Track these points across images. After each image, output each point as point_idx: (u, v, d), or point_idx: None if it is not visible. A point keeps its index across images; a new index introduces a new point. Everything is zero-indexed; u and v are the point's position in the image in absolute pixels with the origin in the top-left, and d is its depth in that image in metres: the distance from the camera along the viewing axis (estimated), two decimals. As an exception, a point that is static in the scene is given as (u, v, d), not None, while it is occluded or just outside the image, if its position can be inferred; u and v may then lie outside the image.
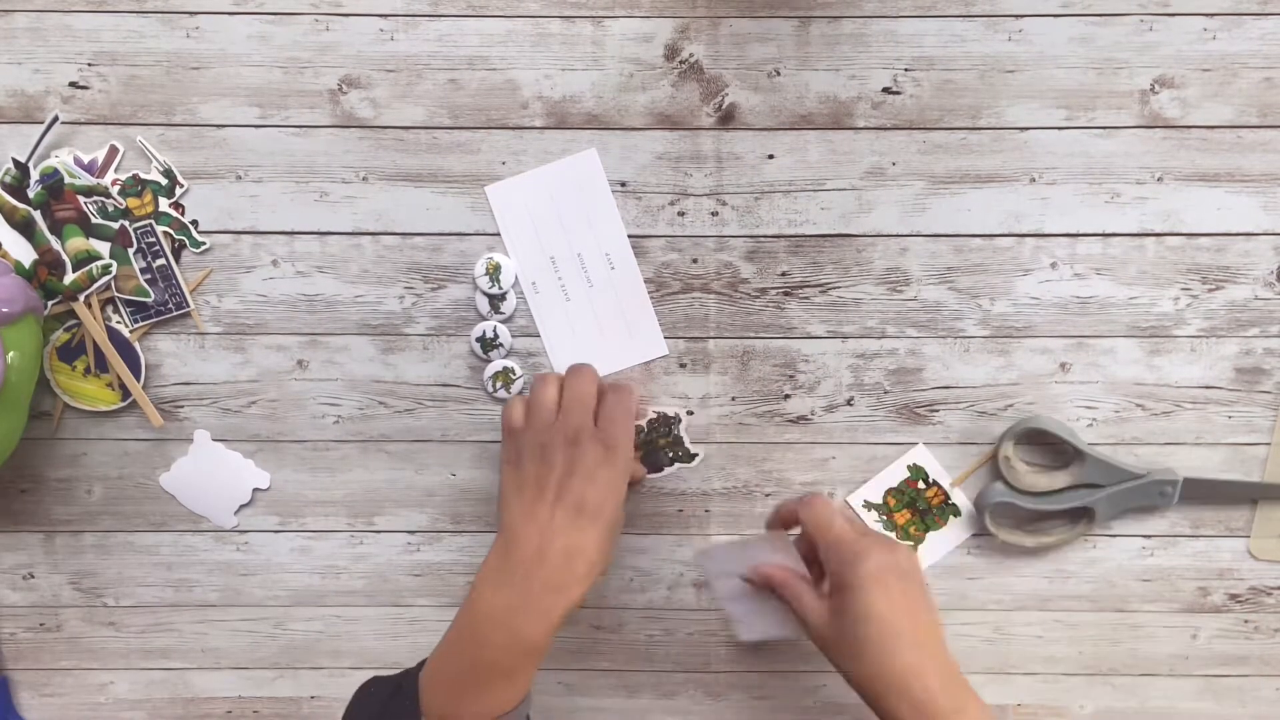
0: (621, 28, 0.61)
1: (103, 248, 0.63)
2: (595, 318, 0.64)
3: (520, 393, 0.65)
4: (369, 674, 0.69)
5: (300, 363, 0.65)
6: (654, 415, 0.66)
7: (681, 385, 0.65)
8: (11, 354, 0.57)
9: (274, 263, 0.64)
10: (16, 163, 0.61)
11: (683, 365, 0.65)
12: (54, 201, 0.62)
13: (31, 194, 0.62)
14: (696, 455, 0.66)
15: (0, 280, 0.58)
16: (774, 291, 0.64)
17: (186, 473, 0.66)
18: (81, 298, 0.63)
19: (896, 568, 0.56)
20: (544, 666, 0.69)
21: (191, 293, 0.64)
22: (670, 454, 0.66)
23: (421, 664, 0.59)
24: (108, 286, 0.63)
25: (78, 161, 0.62)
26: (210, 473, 0.66)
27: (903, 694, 0.53)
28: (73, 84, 0.61)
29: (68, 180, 0.62)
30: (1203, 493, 0.65)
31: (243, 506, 0.67)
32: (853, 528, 0.58)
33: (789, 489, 0.66)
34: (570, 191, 0.63)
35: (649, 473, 0.66)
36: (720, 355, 0.65)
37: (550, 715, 0.70)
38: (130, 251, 0.63)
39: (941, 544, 0.67)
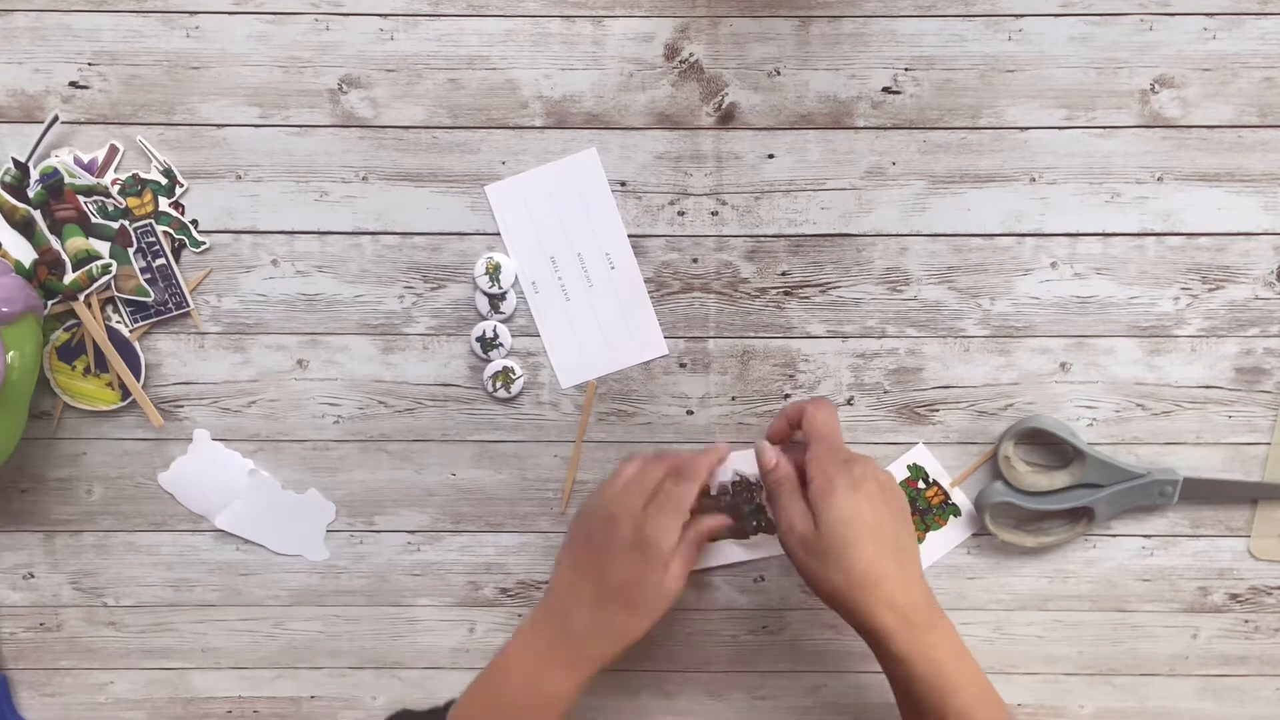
0: (621, 27, 0.61)
1: (102, 247, 0.63)
2: (595, 317, 0.64)
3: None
4: (369, 674, 0.69)
5: (300, 362, 0.65)
6: (736, 478, 0.65)
7: (681, 385, 0.65)
8: (11, 354, 0.57)
9: (274, 262, 0.64)
10: (16, 162, 0.61)
11: (683, 365, 0.65)
12: (54, 201, 0.62)
13: (31, 193, 0.62)
14: None
15: (0, 280, 0.58)
16: (774, 291, 0.64)
17: (186, 472, 0.66)
18: (81, 297, 0.63)
19: (882, 483, 0.57)
20: (544, 666, 0.69)
21: (191, 292, 0.64)
22: (755, 522, 0.66)
23: (451, 702, 0.61)
24: (107, 286, 0.63)
25: (78, 161, 0.62)
26: (210, 472, 0.66)
27: (882, 597, 0.54)
28: (73, 83, 0.61)
29: (68, 180, 0.62)
30: (1203, 492, 0.65)
31: (243, 506, 0.67)
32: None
33: (789, 489, 0.66)
34: (570, 191, 0.63)
35: (737, 537, 0.66)
36: (720, 355, 0.65)
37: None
38: (130, 251, 0.63)
39: (941, 544, 0.67)
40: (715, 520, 0.62)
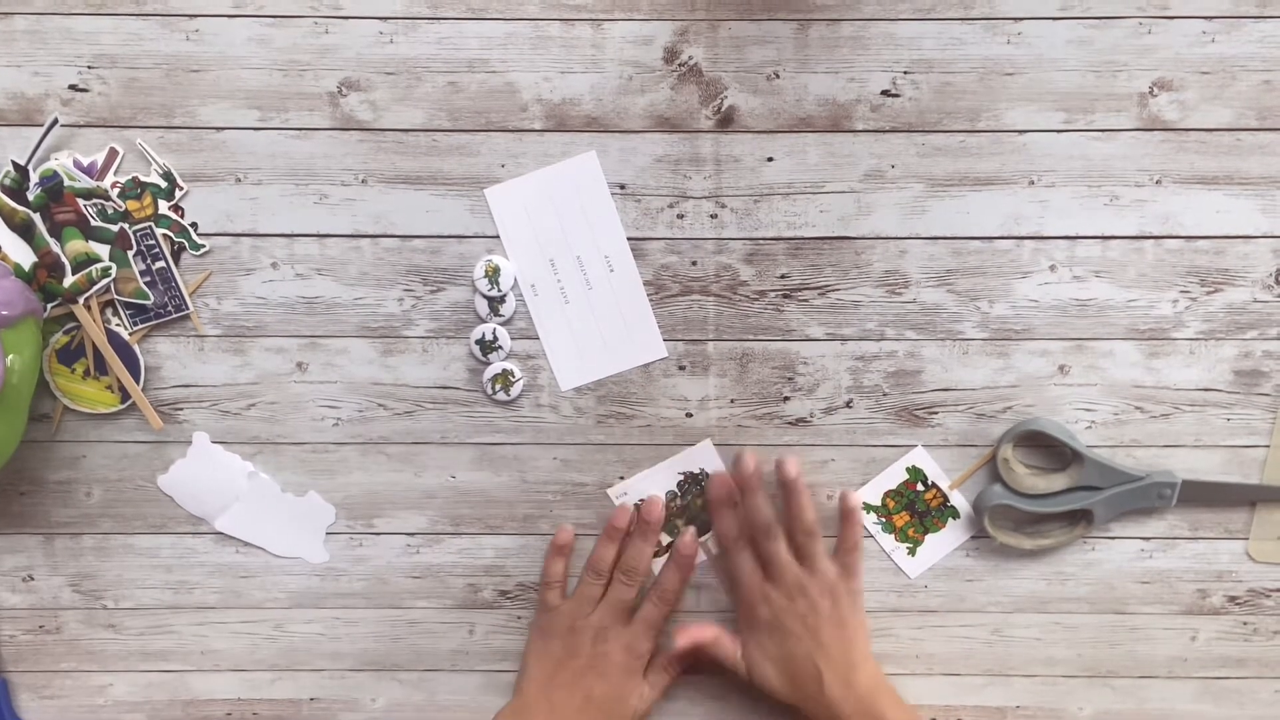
0: (621, 30, 0.61)
1: (102, 250, 0.63)
2: (594, 320, 0.64)
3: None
4: (368, 676, 0.69)
5: (300, 365, 0.65)
6: (681, 478, 0.66)
7: (680, 388, 0.65)
8: (11, 357, 0.57)
9: (273, 265, 0.64)
10: (16, 165, 0.61)
11: (681, 368, 0.65)
12: (53, 204, 0.62)
13: (31, 197, 0.62)
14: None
15: (0, 283, 0.58)
16: (773, 294, 0.64)
17: (186, 475, 0.66)
18: (81, 300, 0.63)
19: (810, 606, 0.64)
20: (543, 668, 0.69)
21: (191, 295, 0.64)
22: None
23: None
24: (107, 289, 0.63)
25: (77, 164, 0.62)
26: (209, 475, 0.66)
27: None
28: (72, 86, 0.62)
29: (67, 183, 0.62)
30: (1201, 495, 0.65)
31: (242, 509, 0.67)
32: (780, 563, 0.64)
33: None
34: (569, 194, 0.63)
35: (699, 536, 0.66)
36: (719, 358, 0.65)
37: (549, 717, 0.70)
38: (130, 254, 0.63)
39: (940, 546, 0.67)
40: (688, 639, 0.65)
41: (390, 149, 0.62)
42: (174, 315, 0.64)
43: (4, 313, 0.57)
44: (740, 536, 0.65)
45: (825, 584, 0.64)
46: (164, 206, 0.63)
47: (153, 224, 0.63)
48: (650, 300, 0.64)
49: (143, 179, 0.62)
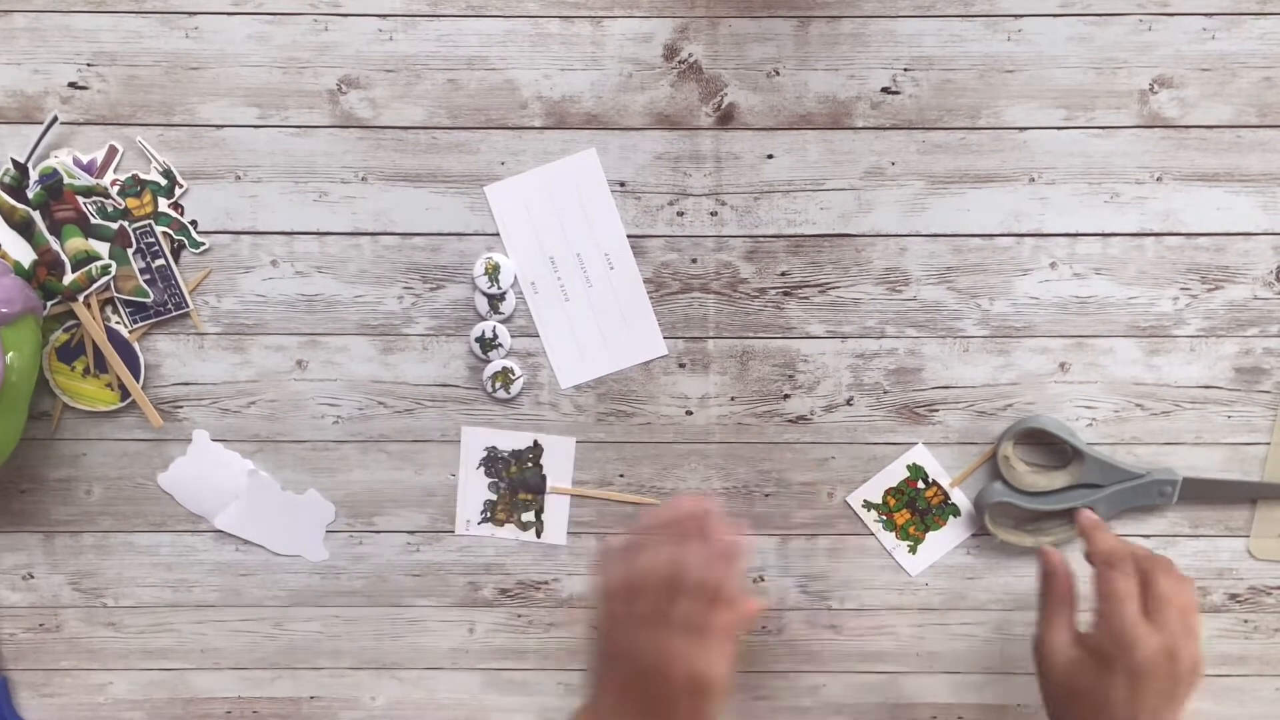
0: (620, 28, 0.61)
1: (102, 248, 0.63)
2: (594, 318, 0.64)
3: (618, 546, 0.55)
4: (368, 674, 0.69)
5: (299, 363, 0.65)
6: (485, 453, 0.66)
7: (681, 385, 0.65)
8: (11, 354, 0.57)
9: (273, 263, 0.64)
10: (16, 163, 0.61)
11: (682, 365, 0.65)
12: (53, 202, 0.62)
13: (31, 194, 0.62)
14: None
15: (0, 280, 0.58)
16: (773, 291, 0.64)
17: (185, 473, 0.66)
18: (81, 298, 0.63)
19: (1168, 673, 0.53)
20: (544, 666, 0.69)
21: (191, 293, 0.64)
22: None
23: None
24: (107, 287, 0.63)
25: (77, 162, 0.62)
26: (209, 473, 0.66)
27: None
28: (72, 84, 0.61)
29: (67, 180, 0.62)
30: (1202, 492, 0.65)
31: (242, 507, 0.67)
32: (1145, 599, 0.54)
33: (788, 489, 0.66)
34: (569, 191, 0.63)
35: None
36: (719, 355, 0.65)
37: (550, 716, 0.70)
38: (129, 252, 0.63)
39: (941, 544, 0.67)
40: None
41: (390, 146, 0.62)
42: (174, 313, 0.64)
43: (3, 310, 0.57)
44: (1124, 556, 0.56)
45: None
46: (164, 204, 0.63)
47: (152, 221, 0.63)
48: (650, 298, 0.64)
49: (142, 176, 0.62)
